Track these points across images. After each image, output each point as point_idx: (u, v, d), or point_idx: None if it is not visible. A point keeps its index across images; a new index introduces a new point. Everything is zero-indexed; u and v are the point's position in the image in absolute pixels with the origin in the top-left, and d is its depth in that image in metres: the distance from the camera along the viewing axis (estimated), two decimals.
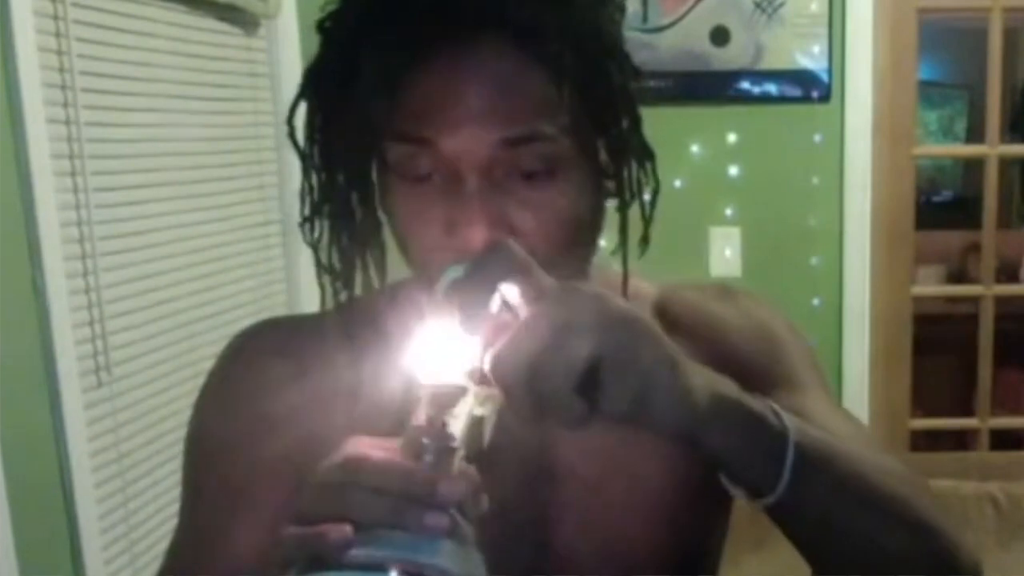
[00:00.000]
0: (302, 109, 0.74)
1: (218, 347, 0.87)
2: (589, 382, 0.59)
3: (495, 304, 0.63)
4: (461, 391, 0.60)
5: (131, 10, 1.85)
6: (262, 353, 0.83)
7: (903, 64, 2.61)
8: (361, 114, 0.69)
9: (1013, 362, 3.36)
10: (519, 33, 0.68)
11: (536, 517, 0.80)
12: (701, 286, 0.91)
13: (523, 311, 0.61)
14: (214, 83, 2.15)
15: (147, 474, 1.85)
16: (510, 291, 0.63)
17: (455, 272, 0.65)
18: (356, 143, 0.71)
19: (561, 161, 0.70)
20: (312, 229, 0.75)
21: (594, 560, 0.80)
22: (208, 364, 0.86)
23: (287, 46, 2.32)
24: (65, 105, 1.65)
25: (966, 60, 4.69)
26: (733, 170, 2.61)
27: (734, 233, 2.62)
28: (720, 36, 2.54)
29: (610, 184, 0.75)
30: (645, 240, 0.77)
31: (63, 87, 1.65)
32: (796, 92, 2.56)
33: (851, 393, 2.64)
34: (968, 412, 2.94)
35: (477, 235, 0.67)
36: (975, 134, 4.79)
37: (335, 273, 0.75)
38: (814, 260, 2.62)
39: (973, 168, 4.22)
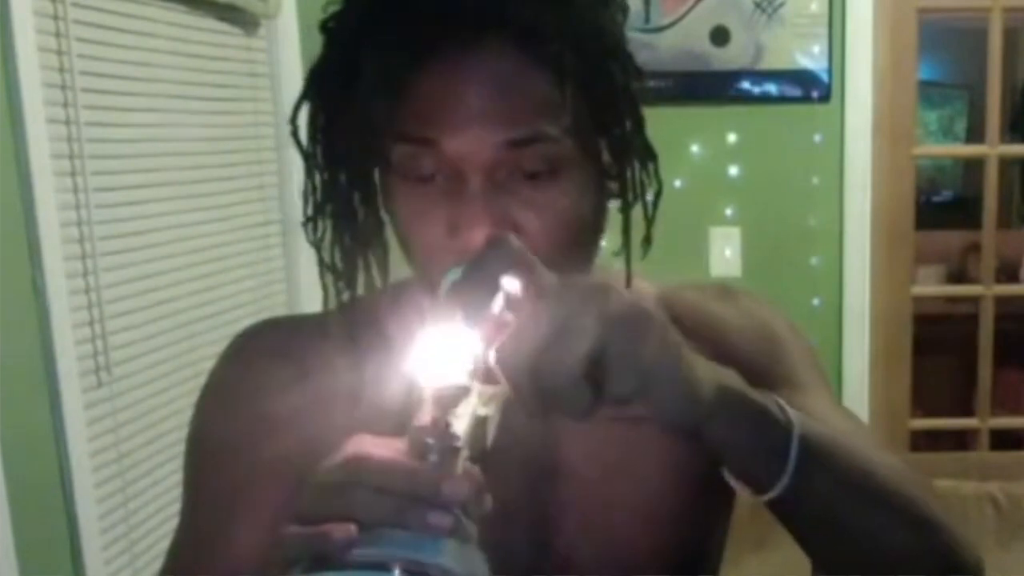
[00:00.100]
0: (304, 109, 0.74)
1: (218, 347, 0.87)
2: (594, 373, 0.59)
3: (497, 303, 0.63)
4: (464, 391, 0.60)
5: (131, 10, 1.85)
6: (263, 353, 0.83)
7: (903, 64, 2.61)
8: (363, 114, 0.69)
9: (1013, 362, 3.36)
10: (521, 34, 0.68)
11: (538, 516, 0.80)
12: (701, 286, 0.91)
13: (526, 305, 0.61)
14: (214, 83, 2.15)
15: (147, 474, 1.85)
16: (512, 284, 0.63)
17: (457, 274, 0.65)
18: (359, 143, 0.71)
19: (564, 162, 0.70)
20: (315, 229, 0.75)
21: (596, 560, 0.80)
22: (208, 364, 0.86)
23: (287, 46, 2.32)
24: (65, 105, 1.65)
25: (966, 60, 4.69)
26: (733, 170, 2.60)
27: (734, 233, 2.62)
28: (720, 36, 2.53)
29: (612, 185, 0.75)
30: (648, 240, 0.77)
31: (63, 87, 1.65)
32: (796, 92, 2.55)
33: (851, 393, 2.64)
34: (968, 412, 2.93)
35: (480, 236, 0.67)
36: (975, 134, 4.80)
37: (337, 273, 0.75)
38: (814, 260, 2.62)
39: (973, 168, 4.23)
